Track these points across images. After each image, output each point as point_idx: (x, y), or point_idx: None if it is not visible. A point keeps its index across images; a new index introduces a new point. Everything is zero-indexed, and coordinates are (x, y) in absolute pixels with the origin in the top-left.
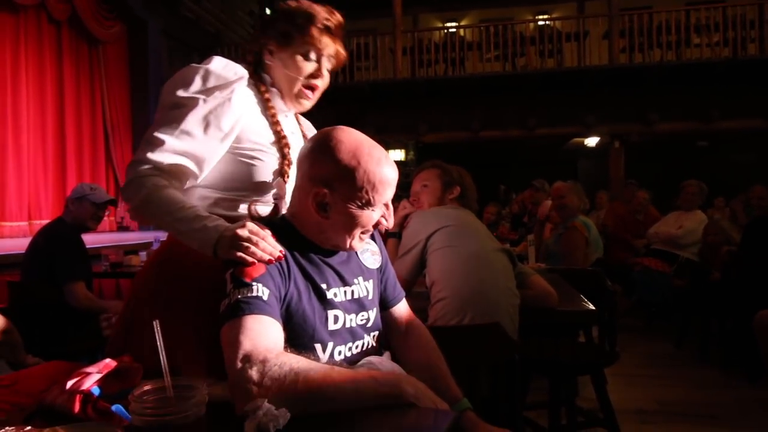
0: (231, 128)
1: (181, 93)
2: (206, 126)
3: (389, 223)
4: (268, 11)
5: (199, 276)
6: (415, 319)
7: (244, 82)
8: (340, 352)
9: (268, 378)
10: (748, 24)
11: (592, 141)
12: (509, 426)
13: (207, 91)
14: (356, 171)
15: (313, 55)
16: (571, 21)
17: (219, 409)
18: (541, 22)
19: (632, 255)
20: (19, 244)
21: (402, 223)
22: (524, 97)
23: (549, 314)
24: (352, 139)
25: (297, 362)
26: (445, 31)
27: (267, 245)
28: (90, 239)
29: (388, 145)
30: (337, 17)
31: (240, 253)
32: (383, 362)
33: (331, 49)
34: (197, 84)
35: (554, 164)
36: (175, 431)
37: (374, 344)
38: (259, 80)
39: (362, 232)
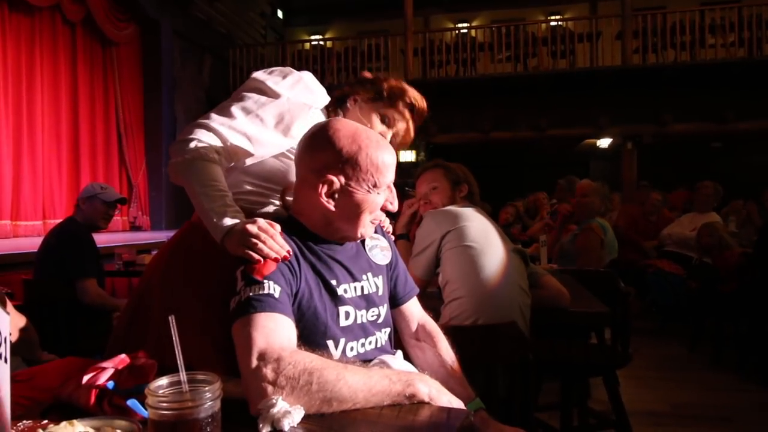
0: (298, 134)
1: (270, 83)
2: (279, 122)
3: (394, 206)
4: (279, 14)
5: (212, 263)
6: (428, 317)
7: (322, 105)
8: (352, 348)
9: (283, 376)
10: (764, 24)
11: (604, 142)
12: (524, 426)
13: (294, 94)
14: (359, 155)
15: (387, 121)
16: (583, 21)
17: (232, 406)
18: (553, 23)
19: (643, 257)
20: (33, 243)
21: (409, 224)
22: (536, 98)
23: (562, 315)
24: (348, 125)
25: (311, 361)
26: (457, 31)
27: (275, 244)
28: (103, 238)
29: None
30: (423, 105)
31: (247, 250)
32: (396, 362)
33: (403, 124)
34: (289, 83)
35: (566, 166)
36: (191, 426)
37: (386, 341)
38: (335, 113)
39: (371, 219)
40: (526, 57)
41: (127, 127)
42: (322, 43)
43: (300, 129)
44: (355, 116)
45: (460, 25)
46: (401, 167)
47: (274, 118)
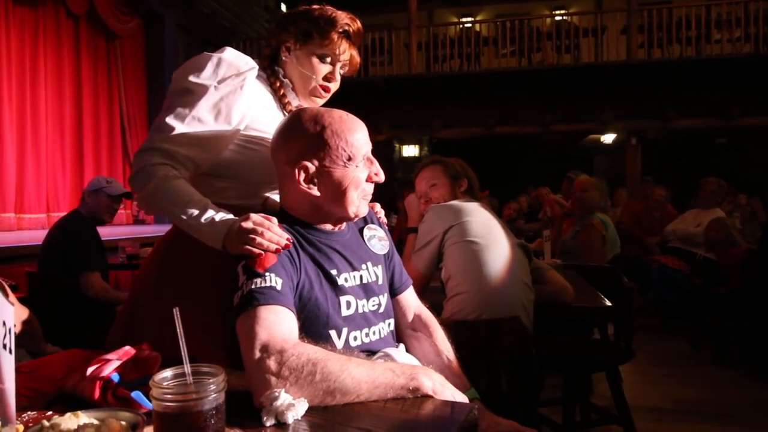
0: (241, 117)
1: (192, 79)
2: (217, 114)
3: (380, 177)
4: (283, 7)
5: (203, 266)
6: (423, 307)
7: (255, 72)
8: (355, 338)
9: (286, 368)
10: None
11: (608, 138)
12: (526, 421)
13: (219, 79)
14: (324, 132)
15: (329, 59)
16: (588, 16)
17: (237, 398)
18: (558, 17)
19: (646, 253)
20: (37, 236)
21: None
22: (540, 93)
23: (565, 310)
24: (310, 111)
25: (314, 352)
26: (461, 26)
27: (273, 235)
28: (107, 232)
29: (402, 141)
30: (358, 25)
31: (247, 246)
32: (400, 355)
33: (347, 55)
34: (209, 71)
35: (570, 161)
36: (196, 417)
37: (389, 332)
38: (272, 74)
39: (361, 196)
40: (531, 52)
41: (130, 121)
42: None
43: (240, 111)
44: (295, 69)
45: (464, 20)
46: (404, 162)
47: (210, 113)
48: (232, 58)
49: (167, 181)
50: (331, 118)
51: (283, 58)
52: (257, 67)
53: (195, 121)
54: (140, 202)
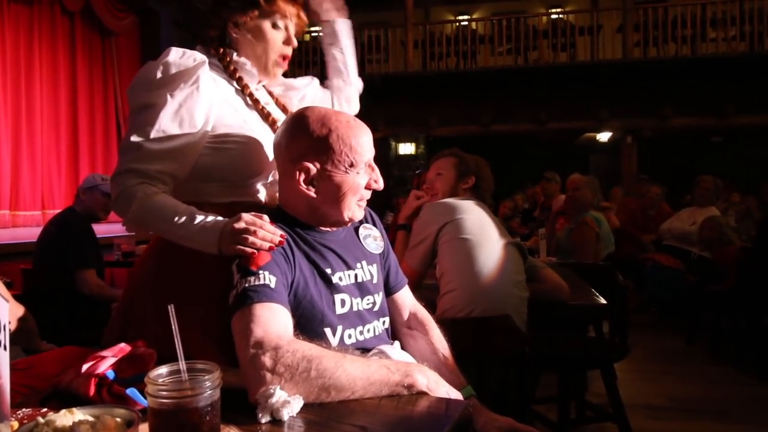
0: (205, 119)
1: (147, 92)
2: (180, 122)
3: (379, 184)
4: None
5: (199, 265)
6: (419, 305)
7: (206, 67)
8: (350, 336)
9: (281, 365)
10: (766, 18)
11: (604, 136)
12: (519, 418)
13: (172, 86)
14: (329, 137)
15: (281, 23)
16: (584, 14)
17: (232, 395)
18: (554, 16)
19: (641, 250)
20: (32, 233)
21: (412, 216)
22: (536, 91)
23: (560, 308)
24: (318, 111)
25: (309, 349)
26: (457, 24)
27: (266, 233)
28: (102, 229)
29: (398, 139)
30: None
31: (240, 246)
32: (395, 352)
33: (294, 12)
34: (160, 79)
35: (565, 159)
36: (191, 414)
37: (384, 330)
38: (224, 58)
39: (358, 201)
40: (527, 50)
41: (126, 118)
42: (321, 34)
43: (202, 112)
44: (249, 44)
45: (460, 18)
46: (400, 160)
47: (173, 122)
48: (177, 58)
49: (148, 199)
50: (338, 122)
51: (234, 35)
52: (206, 59)
53: (160, 135)
54: (128, 225)
